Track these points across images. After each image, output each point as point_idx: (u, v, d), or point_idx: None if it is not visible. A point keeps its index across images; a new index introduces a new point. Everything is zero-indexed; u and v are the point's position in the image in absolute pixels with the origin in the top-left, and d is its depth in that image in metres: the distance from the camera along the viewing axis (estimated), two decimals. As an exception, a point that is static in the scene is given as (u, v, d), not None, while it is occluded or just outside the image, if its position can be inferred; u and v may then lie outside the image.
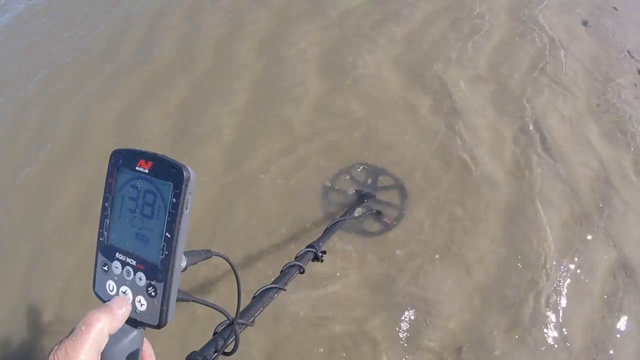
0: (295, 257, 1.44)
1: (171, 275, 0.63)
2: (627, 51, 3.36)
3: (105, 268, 0.68)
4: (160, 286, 0.63)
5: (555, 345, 2.12)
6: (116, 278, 0.67)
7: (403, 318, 2.24)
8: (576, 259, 2.35)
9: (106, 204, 0.68)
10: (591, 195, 2.57)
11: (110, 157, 0.67)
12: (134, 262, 0.65)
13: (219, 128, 3.17)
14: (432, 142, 2.83)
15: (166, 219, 0.62)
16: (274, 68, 3.45)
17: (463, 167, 2.70)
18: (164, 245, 0.62)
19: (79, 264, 2.75)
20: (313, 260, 1.50)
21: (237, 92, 3.35)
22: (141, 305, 0.65)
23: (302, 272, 1.38)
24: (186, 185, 0.61)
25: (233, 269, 0.87)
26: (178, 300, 0.67)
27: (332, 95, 3.18)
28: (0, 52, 4.88)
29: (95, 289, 0.69)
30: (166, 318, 0.64)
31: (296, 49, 3.53)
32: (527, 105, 2.96)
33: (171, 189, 0.62)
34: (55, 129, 3.63)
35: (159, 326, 0.65)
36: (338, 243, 2.48)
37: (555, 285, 2.27)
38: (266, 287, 1.21)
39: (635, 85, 3.12)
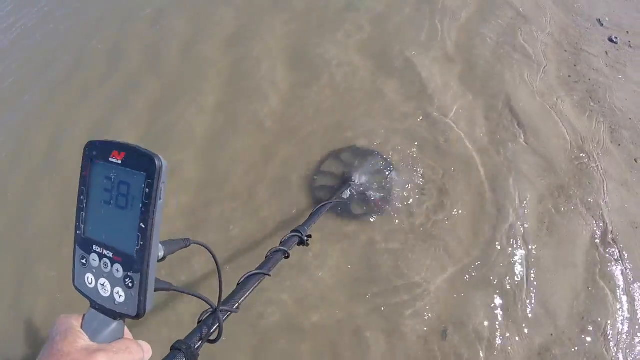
0: (280, 242, 1.43)
1: (147, 266, 0.63)
2: (597, 19, 3.36)
3: (84, 261, 0.68)
4: (137, 277, 0.63)
5: (541, 319, 2.13)
6: (94, 270, 0.67)
7: (387, 302, 2.25)
8: (556, 231, 2.36)
9: (82, 197, 0.67)
10: (567, 167, 2.58)
11: (85, 149, 0.66)
12: (110, 254, 0.65)
13: (190, 129, 3.14)
14: (403, 125, 2.83)
15: (140, 209, 0.62)
16: (242, 65, 3.42)
17: (436, 149, 2.69)
18: (138, 236, 0.62)
19: (62, 277, 2.73)
20: (298, 245, 1.49)
21: (206, 93, 3.33)
22: (119, 297, 0.65)
23: (287, 257, 1.38)
24: (159, 175, 0.61)
25: (213, 256, 0.88)
26: (159, 290, 0.67)
27: (302, 87, 3.16)
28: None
29: (75, 283, 0.69)
30: (144, 308, 0.64)
31: (263, 45, 3.50)
32: (497, 82, 2.95)
33: (144, 179, 0.61)
34: (29, 146, 3.61)
35: (137, 316, 0.65)
36: (323, 226, 2.47)
37: (537, 258, 2.29)
38: (250, 273, 1.20)
39: (607, 53, 3.13)
